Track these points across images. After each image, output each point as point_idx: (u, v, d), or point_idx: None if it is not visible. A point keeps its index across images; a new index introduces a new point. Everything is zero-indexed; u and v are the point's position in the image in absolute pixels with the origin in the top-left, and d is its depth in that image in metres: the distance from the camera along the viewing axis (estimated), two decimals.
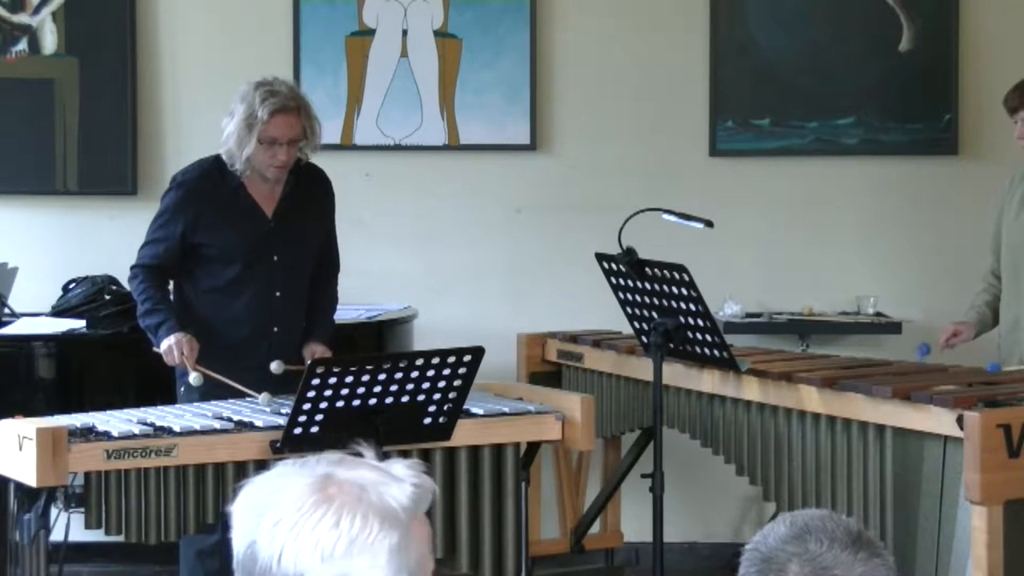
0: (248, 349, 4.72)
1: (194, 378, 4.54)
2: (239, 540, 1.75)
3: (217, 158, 4.75)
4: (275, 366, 4.65)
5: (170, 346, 4.59)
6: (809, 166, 6.23)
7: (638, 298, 4.79)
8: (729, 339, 4.90)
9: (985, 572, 3.88)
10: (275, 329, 4.76)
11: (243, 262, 4.74)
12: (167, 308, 4.69)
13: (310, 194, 4.88)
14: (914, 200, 6.24)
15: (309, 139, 4.73)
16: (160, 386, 4.93)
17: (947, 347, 5.18)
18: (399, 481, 1.77)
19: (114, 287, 5.64)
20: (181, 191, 4.74)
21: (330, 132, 5.68)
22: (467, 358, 4.17)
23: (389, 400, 4.12)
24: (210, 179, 4.74)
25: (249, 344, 4.73)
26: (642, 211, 4.86)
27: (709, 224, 5.05)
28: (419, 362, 4.14)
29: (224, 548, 4.61)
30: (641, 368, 5.10)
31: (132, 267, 4.77)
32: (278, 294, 4.78)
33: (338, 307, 5.03)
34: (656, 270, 4.68)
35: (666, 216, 5.07)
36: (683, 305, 4.65)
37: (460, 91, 6.18)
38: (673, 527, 5.47)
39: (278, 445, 4.08)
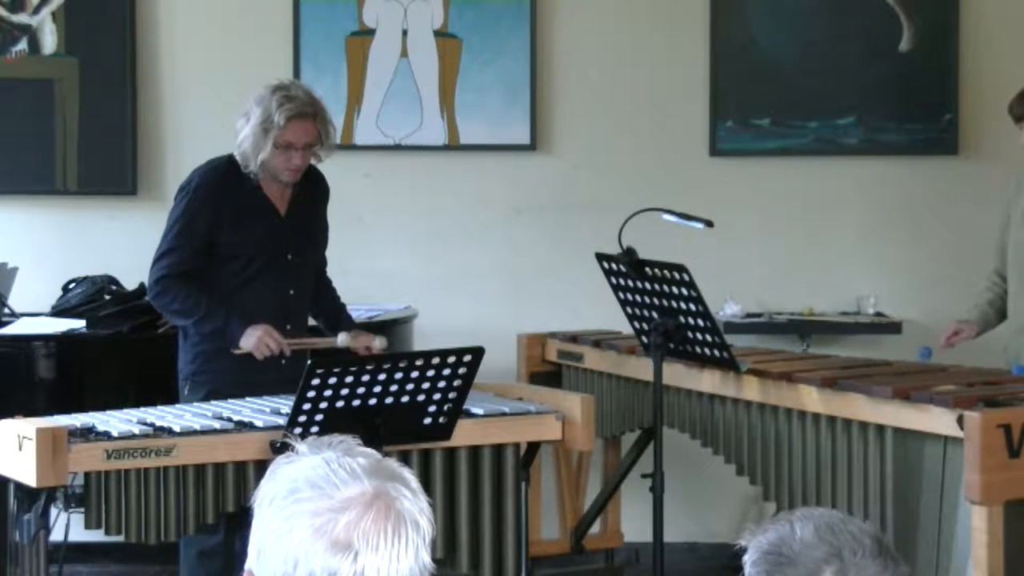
0: None
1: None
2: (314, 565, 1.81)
3: (230, 159, 4.75)
4: (342, 338, 4.76)
5: (259, 338, 4.62)
6: (809, 166, 6.23)
7: (638, 298, 4.79)
8: (729, 339, 4.90)
9: (985, 572, 3.88)
10: (288, 326, 4.77)
11: (261, 261, 4.75)
12: (222, 307, 4.68)
13: (314, 193, 4.92)
14: (914, 200, 6.24)
15: (324, 143, 4.75)
16: (160, 386, 4.93)
17: (948, 346, 5.17)
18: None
19: (114, 287, 5.64)
20: (201, 192, 4.71)
21: None
22: (467, 358, 4.17)
23: (389, 400, 4.12)
24: (228, 179, 4.73)
25: None
26: (642, 211, 4.86)
27: (709, 224, 5.05)
28: (419, 362, 4.14)
29: (228, 549, 4.63)
30: (641, 368, 5.10)
31: (157, 280, 4.69)
32: (292, 292, 4.81)
33: None
34: (656, 270, 4.68)
35: (666, 216, 5.07)
36: (683, 305, 4.65)
37: (460, 91, 6.18)
38: (673, 527, 5.47)
39: (278, 445, 4.08)
